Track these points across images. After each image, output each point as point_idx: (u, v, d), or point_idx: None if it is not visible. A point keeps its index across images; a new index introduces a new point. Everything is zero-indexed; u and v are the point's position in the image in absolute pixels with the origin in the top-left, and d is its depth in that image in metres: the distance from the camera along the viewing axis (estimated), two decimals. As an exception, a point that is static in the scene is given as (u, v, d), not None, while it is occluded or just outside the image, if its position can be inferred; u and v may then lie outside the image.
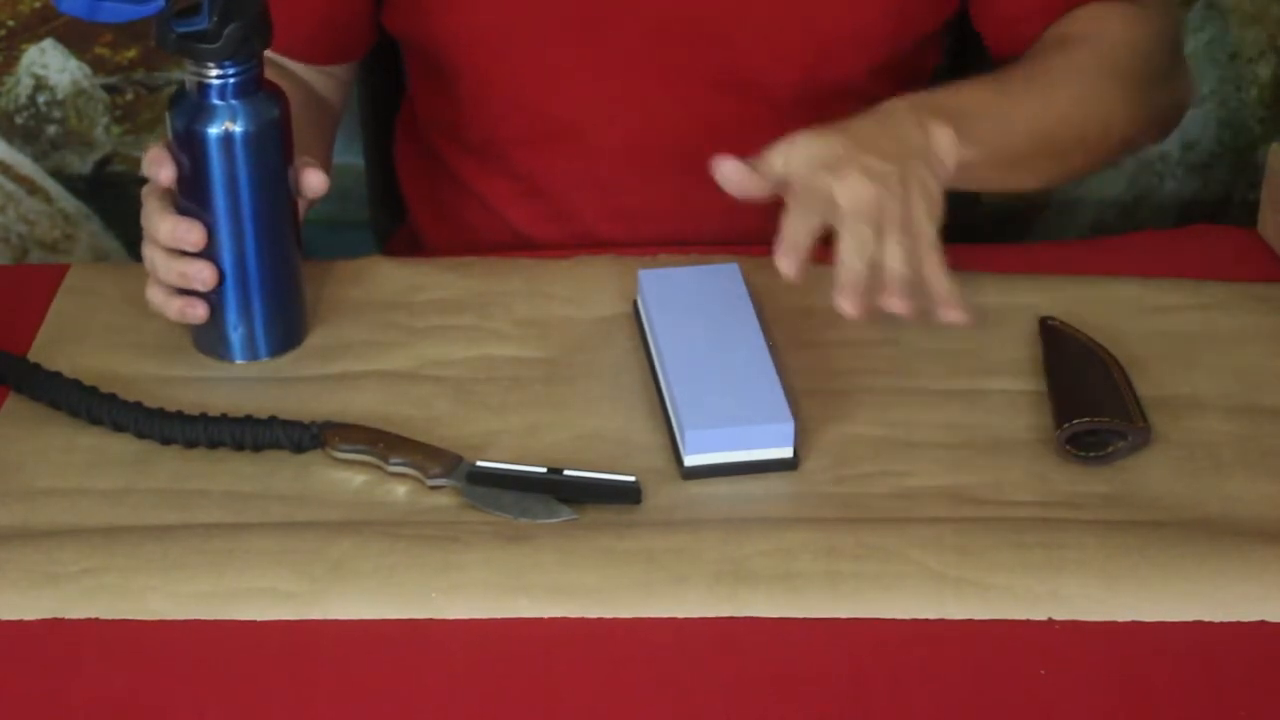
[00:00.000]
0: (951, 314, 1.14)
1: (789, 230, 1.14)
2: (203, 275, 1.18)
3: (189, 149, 1.16)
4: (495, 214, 1.45)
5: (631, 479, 1.11)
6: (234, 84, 1.15)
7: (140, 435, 1.15)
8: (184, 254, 1.18)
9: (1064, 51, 1.34)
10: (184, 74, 1.16)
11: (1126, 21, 1.36)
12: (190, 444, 1.14)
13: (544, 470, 1.11)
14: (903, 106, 1.23)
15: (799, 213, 1.15)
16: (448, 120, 1.45)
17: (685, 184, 1.39)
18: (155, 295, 1.21)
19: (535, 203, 1.44)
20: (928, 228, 1.16)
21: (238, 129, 1.15)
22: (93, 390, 1.17)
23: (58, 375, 1.18)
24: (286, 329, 1.23)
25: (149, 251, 1.20)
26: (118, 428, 1.16)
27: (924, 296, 1.14)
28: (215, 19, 1.12)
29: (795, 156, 1.17)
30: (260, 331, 1.22)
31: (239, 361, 1.22)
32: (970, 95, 1.27)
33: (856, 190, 1.14)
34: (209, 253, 1.18)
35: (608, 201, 1.42)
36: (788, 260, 1.13)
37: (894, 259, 1.14)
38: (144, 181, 1.20)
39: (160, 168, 1.17)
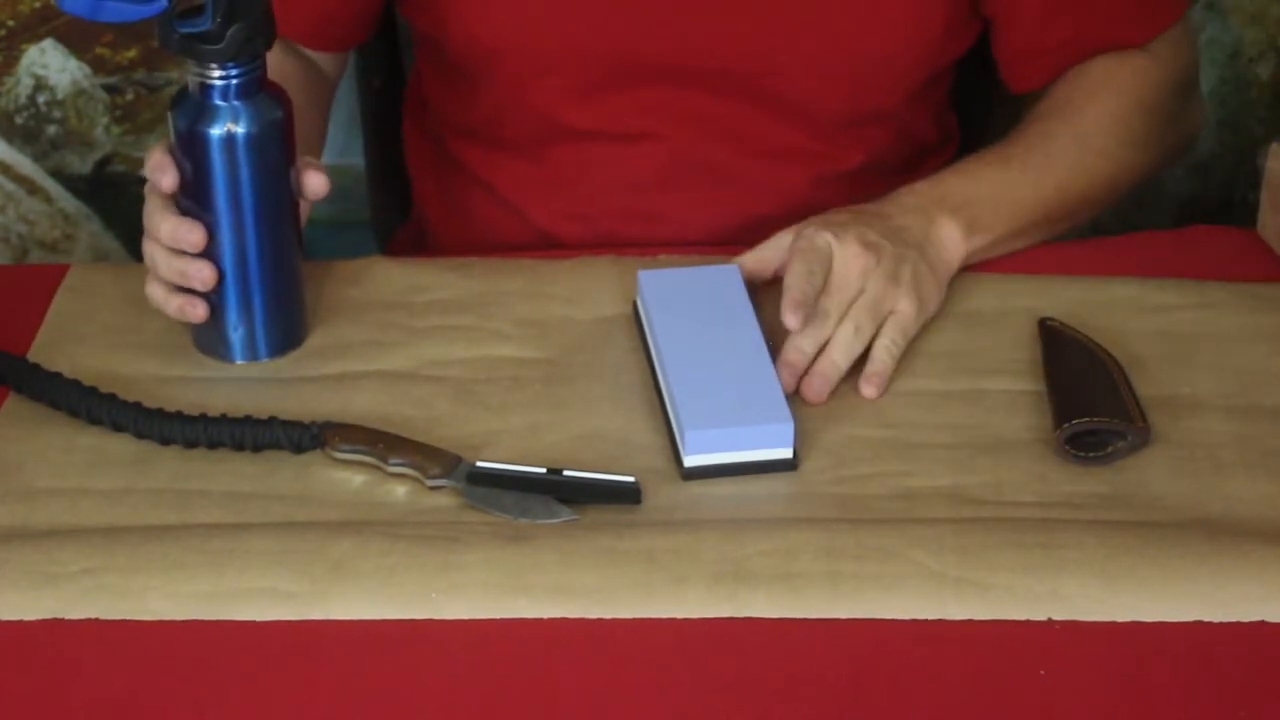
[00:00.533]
0: (868, 389, 1.20)
1: (795, 284, 1.19)
2: (202, 275, 1.18)
3: (191, 149, 1.16)
4: (512, 209, 1.45)
5: (631, 479, 1.11)
6: (236, 85, 1.15)
7: (140, 435, 1.15)
8: (184, 253, 1.18)
9: (1067, 117, 1.36)
10: (186, 74, 1.16)
11: (1135, 76, 1.38)
12: (190, 444, 1.14)
13: (544, 470, 1.11)
14: (911, 202, 1.27)
15: (803, 268, 1.20)
16: (466, 118, 1.45)
17: (717, 194, 1.40)
18: (155, 292, 1.21)
19: (558, 201, 1.44)
20: (906, 307, 1.22)
21: (240, 130, 1.15)
22: (92, 390, 1.17)
23: (58, 375, 1.18)
24: (286, 329, 1.23)
25: (149, 248, 1.20)
26: (117, 428, 1.16)
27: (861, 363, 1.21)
28: (218, 20, 1.12)
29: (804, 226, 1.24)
30: (260, 332, 1.22)
31: (239, 362, 1.22)
32: (978, 181, 1.30)
33: (851, 255, 1.21)
34: (209, 252, 1.18)
35: (635, 205, 1.41)
36: (795, 317, 1.17)
37: (839, 349, 1.20)
38: (144, 181, 1.20)
39: (163, 174, 1.17)
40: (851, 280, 1.21)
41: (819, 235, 1.22)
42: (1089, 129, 1.35)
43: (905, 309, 1.22)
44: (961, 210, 1.28)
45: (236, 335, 1.21)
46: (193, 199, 1.18)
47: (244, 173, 1.17)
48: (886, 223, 1.25)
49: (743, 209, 1.41)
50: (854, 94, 1.39)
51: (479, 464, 1.12)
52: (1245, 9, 1.86)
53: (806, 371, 1.19)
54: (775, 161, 1.40)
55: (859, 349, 1.20)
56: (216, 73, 1.14)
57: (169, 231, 1.18)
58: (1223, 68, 1.89)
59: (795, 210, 1.37)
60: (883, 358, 1.20)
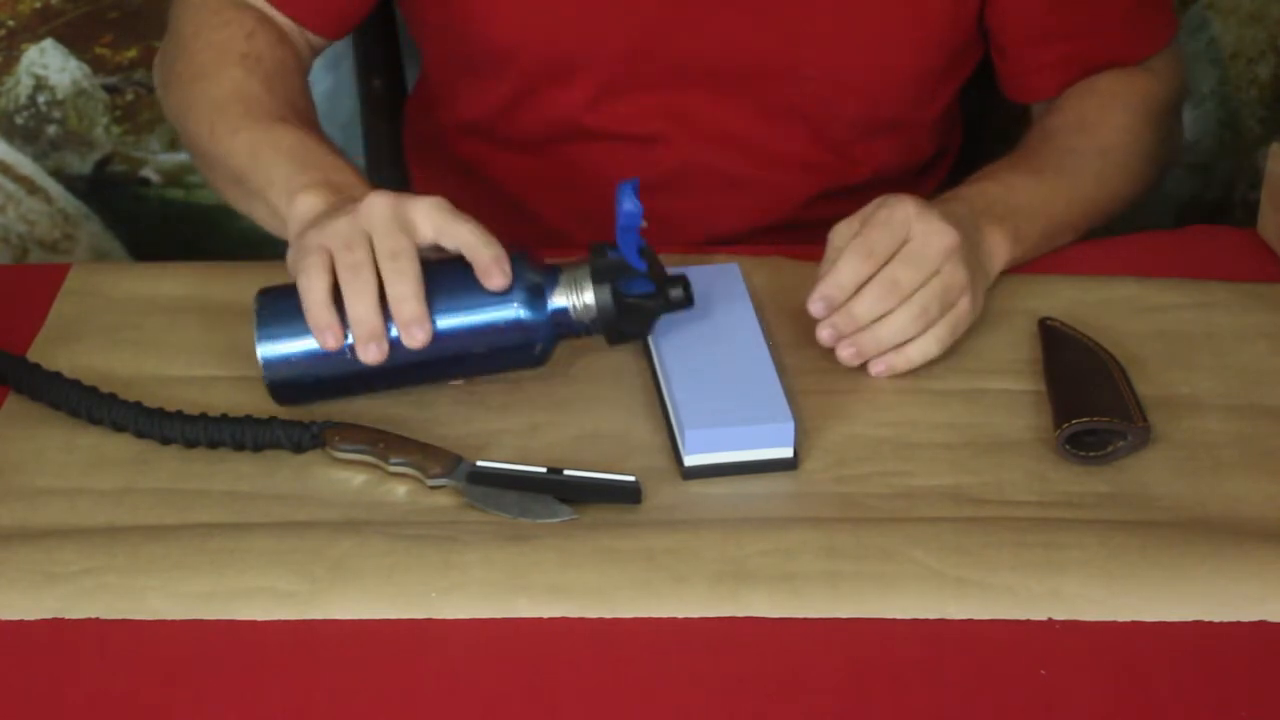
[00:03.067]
0: (877, 367, 1.18)
1: (841, 269, 1.16)
2: (374, 352, 1.11)
3: (484, 289, 1.13)
4: (520, 207, 1.45)
5: (631, 479, 1.10)
6: (569, 325, 1.15)
7: (140, 435, 1.15)
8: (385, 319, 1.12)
9: (1088, 132, 1.37)
10: (574, 277, 1.15)
11: (1143, 92, 1.40)
12: (190, 444, 1.14)
13: (544, 470, 1.11)
14: (961, 210, 1.23)
15: (862, 248, 1.16)
16: (475, 116, 1.44)
17: (724, 200, 1.40)
18: (324, 318, 1.11)
19: (565, 200, 1.43)
20: (968, 306, 1.19)
21: (521, 320, 1.14)
22: (92, 390, 1.17)
23: (58, 375, 1.18)
24: (304, 398, 1.18)
25: (362, 273, 1.10)
26: (117, 428, 1.16)
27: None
28: (656, 306, 1.15)
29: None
30: (295, 378, 1.16)
31: (260, 355, 1.15)
32: (1016, 192, 1.29)
33: (935, 230, 1.17)
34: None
35: (647, 206, 1.41)
36: (818, 306, 1.16)
37: (893, 329, 1.17)
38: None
39: (497, 272, 1.11)
40: (931, 256, 1.17)
41: (899, 207, 1.17)
42: (1108, 143, 1.36)
43: (966, 308, 1.20)
44: (1006, 221, 1.26)
45: (289, 358, 1.15)
46: (439, 294, 1.13)
47: (477, 339, 1.14)
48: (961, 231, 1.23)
49: (748, 217, 1.41)
50: (867, 105, 1.39)
51: (479, 464, 1.12)
52: (1245, 9, 1.86)
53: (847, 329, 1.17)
54: (783, 171, 1.40)
55: (913, 334, 1.18)
56: (585, 314, 1.14)
57: (412, 312, 1.10)
58: (1223, 68, 1.89)
59: (799, 221, 1.37)
60: (925, 351, 1.18)
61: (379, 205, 1.11)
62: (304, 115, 1.28)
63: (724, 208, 1.41)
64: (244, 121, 1.26)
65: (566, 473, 1.11)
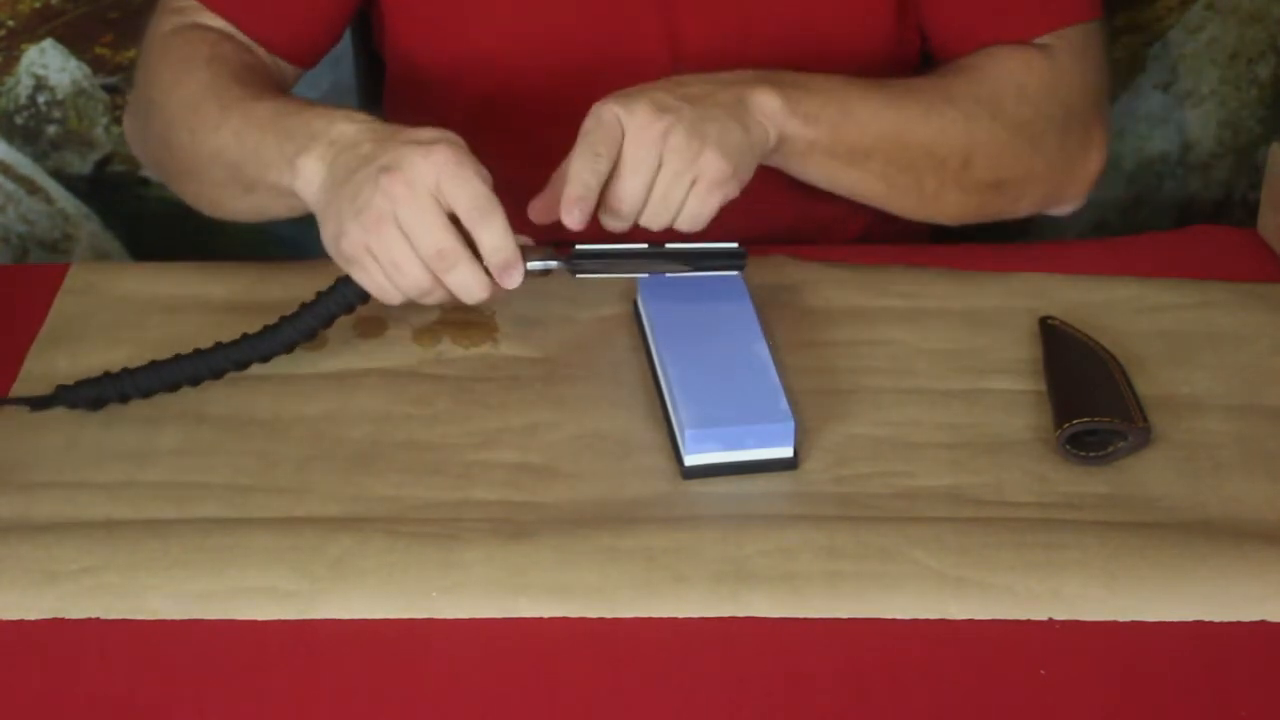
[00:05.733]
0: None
1: (575, 175, 1.14)
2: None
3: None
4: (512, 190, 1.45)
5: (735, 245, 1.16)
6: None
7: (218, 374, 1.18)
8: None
9: (943, 73, 1.32)
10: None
11: (1025, 66, 1.33)
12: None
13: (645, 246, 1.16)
14: (728, 76, 1.20)
15: (586, 151, 1.14)
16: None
17: None
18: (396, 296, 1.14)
19: (539, 227, 1.44)
20: (716, 165, 1.15)
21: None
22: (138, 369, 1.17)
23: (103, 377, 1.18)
24: None
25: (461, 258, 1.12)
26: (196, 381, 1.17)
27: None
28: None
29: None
30: None
31: None
32: (817, 77, 1.25)
33: (641, 124, 1.14)
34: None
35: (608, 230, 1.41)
36: (572, 215, 1.14)
37: (674, 194, 1.15)
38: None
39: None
40: (645, 155, 1.14)
41: (604, 108, 1.15)
42: (958, 90, 1.30)
43: (715, 168, 1.15)
44: (786, 87, 1.21)
45: None
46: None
47: None
48: (687, 88, 1.20)
49: (721, 222, 1.41)
50: None
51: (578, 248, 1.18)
52: (1245, 9, 1.86)
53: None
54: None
55: (669, 223, 1.17)
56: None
57: (504, 259, 1.13)
58: (1223, 68, 1.88)
59: (776, 224, 1.37)
60: (694, 214, 1.16)
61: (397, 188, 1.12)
62: (280, 93, 1.28)
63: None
64: (223, 114, 1.24)
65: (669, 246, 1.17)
